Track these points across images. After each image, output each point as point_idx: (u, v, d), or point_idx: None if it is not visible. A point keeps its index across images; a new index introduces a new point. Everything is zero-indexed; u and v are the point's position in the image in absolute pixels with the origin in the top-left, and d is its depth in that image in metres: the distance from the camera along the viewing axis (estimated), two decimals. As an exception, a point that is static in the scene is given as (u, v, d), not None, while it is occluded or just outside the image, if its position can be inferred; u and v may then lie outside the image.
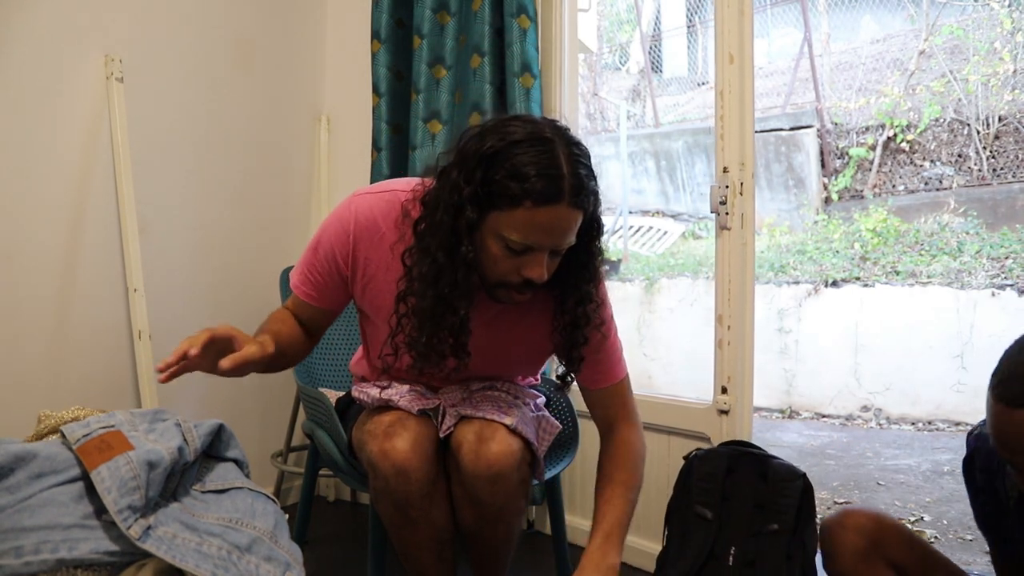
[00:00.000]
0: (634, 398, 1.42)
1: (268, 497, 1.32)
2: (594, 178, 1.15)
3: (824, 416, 4.50)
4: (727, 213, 1.76)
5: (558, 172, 1.09)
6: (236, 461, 1.36)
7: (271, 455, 2.32)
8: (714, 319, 1.81)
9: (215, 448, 1.34)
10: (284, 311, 1.37)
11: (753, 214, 1.76)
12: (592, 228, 1.21)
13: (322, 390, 1.57)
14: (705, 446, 1.76)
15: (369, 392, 1.34)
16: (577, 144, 1.14)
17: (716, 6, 1.78)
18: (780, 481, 1.52)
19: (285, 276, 2.02)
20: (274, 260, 2.27)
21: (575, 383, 1.38)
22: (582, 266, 1.24)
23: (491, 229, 1.13)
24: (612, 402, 1.38)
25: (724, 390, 1.79)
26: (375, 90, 2.25)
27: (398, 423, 1.24)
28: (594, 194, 1.16)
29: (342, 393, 1.62)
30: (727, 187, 1.75)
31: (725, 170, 1.76)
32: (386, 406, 1.29)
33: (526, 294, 1.21)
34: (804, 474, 1.54)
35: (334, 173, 2.50)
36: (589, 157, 1.15)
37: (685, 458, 1.65)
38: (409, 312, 1.21)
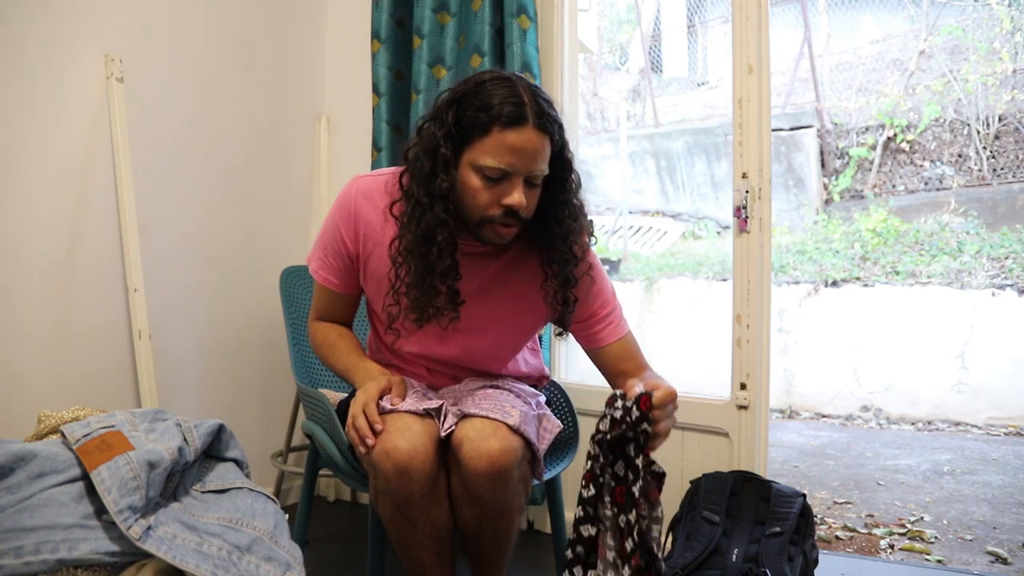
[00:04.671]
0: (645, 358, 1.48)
1: (268, 497, 1.31)
2: (555, 110, 1.27)
3: (824, 416, 4.50)
4: (746, 217, 1.81)
5: (520, 100, 1.22)
6: (236, 461, 1.36)
7: (271, 455, 2.32)
8: (732, 318, 1.85)
9: (215, 448, 1.34)
10: (324, 327, 1.51)
11: (770, 217, 1.82)
12: (563, 163, 1.32)
13: (322, 390, 1.57)
14: (724, 442, 1.86)
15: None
16: (539, 87, 1.29)
17: (734, 18, 1.83)
18: (782, 498, 1.60)
19: (285, 276, 2.02)
20: (274, 260, 2.27)
21: (586, 354, 1.49)
22: (562, 203, 1.33)
23: (467, 163, 1.25)
24: (624, 359, 1.47)
25: (743, 386, 1.84)
26: (375, 90, 2.25)
27: (399, 422, 1.25)
28: (558, 124, 1.27)
29: (343, 394, 1.62)
30: (747, 192, 1.81)
31: (744, 176, 1.82)
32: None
33: (512, 227, 1.29)
34: (804, 495, 1.61)
35: (334, 173, 2.50)
36: (551, 98, 1.28)
37: (692, 482, 1.71)
38: (400, 257, 1.30)
